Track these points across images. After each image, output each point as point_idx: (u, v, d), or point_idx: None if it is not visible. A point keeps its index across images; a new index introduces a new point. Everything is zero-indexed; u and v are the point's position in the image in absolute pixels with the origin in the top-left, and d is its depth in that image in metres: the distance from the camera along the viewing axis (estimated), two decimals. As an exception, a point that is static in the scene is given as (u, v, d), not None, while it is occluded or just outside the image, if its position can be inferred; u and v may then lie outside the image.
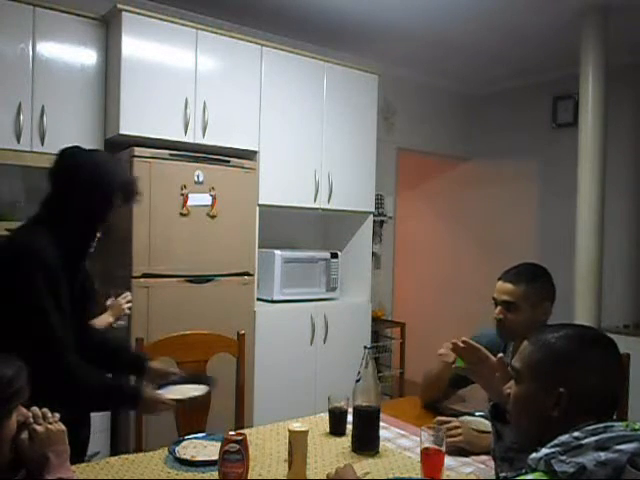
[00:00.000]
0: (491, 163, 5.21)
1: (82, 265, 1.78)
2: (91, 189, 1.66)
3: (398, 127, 4.88)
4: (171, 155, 3.04)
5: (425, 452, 1.58)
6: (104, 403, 1.75)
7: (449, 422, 1.82)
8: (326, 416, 1.96)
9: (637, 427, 1.01)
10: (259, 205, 3.40)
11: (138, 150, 2.93)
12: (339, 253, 3.89)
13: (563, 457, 0.97)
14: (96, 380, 1.66)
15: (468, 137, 5.35)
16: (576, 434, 1.00)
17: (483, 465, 1.68)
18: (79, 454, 1.69)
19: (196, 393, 1.83)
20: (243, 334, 2.37)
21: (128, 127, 2.97)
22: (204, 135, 3.20)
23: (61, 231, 1.65)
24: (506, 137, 5.14)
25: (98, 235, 1.75)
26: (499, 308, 1.96)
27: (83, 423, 1.79)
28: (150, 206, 2.93)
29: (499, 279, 1.99)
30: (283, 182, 3.54)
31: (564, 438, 1.01)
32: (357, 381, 1.79)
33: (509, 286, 1.94)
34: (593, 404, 1.07)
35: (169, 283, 3.04)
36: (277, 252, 3.57)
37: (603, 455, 0.95)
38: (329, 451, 1.77)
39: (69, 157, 1.74)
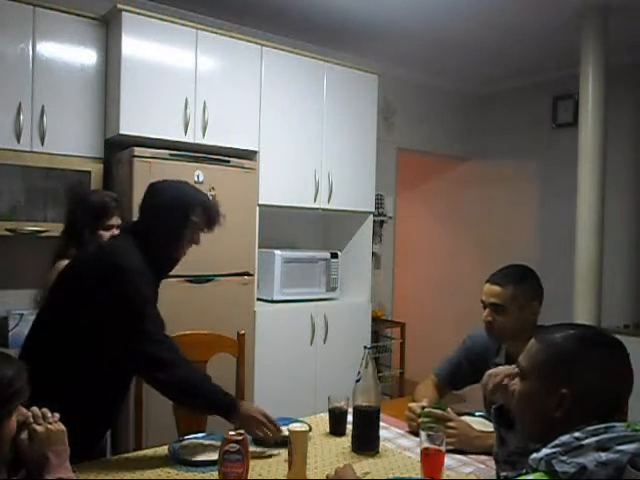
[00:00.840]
0: (491, 163, 5.21)
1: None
2: (169, 213, 1.82)
3: (398, 127, 4.88)
4: (171, 155, 3.04)
5: (425, 452, 1.58)
6: (195, 398, 1.74)
7: (449, 419, 1.82)
8: (326, 416, 1.96)
9: (638, 428, 1.01)
10: (259, 205, 3.40)
11: (138, 150, 2.93)
12: (339, 253, 3.89)
13: (564, 457, 0.97)
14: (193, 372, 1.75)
15: (468, 137, 5.34)
16: (577, 434, 1.00)
17: (483, 465, 1.68)
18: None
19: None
20: (243, 334, 2.37)
21: (128, 127, 2.97)
22: (204, 135, 3.21)
23: (150, 250, 1.79)
24: (506, 137, 5.14)
25: (183, 253, 1.93)
26: (487, 310, 1.96)
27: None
28: (150, 206, 2.93)
29: (487, 281, 1.99)
30: (283, 182, 3.54)
31: (565, 438, 1.01)
32: (357, 381, 1.79)
33: (496, 288, 1.93)
34: (596, 405, 1.07)
35: (169, 283, 3.02)
36: (277, 252, 3.57)
37: (604, 455, 0.95)
38: (329, 451, 1.77)
39: (154, 188, 1.89)
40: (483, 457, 1.72)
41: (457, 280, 5.32)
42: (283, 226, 4.01)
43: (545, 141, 4.86)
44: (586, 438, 0.99)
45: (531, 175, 4.96)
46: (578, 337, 1.13)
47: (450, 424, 1.79)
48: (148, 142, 3.05)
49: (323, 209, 3.76)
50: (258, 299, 3.47)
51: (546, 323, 1.50)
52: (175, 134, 3.12)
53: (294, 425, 1.61)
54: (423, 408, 1.89)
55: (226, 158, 3.24)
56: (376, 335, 4.51)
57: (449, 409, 1.89)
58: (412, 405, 1.97)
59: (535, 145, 4.92)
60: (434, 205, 5.68)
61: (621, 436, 0.98)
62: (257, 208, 3.39)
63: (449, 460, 1.65)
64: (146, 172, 2.92)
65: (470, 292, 4.94)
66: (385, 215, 4.73)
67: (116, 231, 2.30)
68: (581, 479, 0.95)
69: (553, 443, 1.01)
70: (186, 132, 3.15)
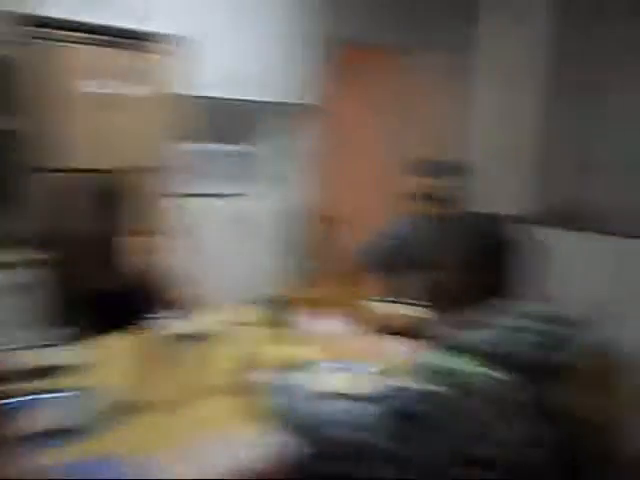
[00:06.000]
0: (437, 56, 5.04)
1: None
2: None
3: (330, 15, 4.60)
4: (83, 38, 2.85)
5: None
6: None
7: None
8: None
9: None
10: (180, 96, 3.25)
11: (44, 32, 2.73)
12: (261, 148, 3.86)
13: None
14: None
15: (411, 26, 5.09)
16: None
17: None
18: None
19: None
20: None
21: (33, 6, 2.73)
22: (123, 18, 2.99)
23: None
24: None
25: None
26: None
27: None
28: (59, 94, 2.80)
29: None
30: (205, 72, 3.36)
31: None
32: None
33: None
34: None
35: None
36: (196, 146, 3.52)
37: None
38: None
39: None
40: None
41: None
42: (206, 119, 3.88)
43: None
44: None
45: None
46: None
47: None
48: (59, 23, 2.80)
49: (247, 100, 3.67)
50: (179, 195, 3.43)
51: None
52: (91, 16, 2.89)
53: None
54: None
55: (145, 43, 3.05)
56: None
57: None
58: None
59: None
60: (374, 99, 5.56)
61: None
62: (180, 99, 3.24)
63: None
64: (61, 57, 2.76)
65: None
66: (313, 107, 4.56)
67: None
68: None
69: None
70: (104, 15, 2.92)
